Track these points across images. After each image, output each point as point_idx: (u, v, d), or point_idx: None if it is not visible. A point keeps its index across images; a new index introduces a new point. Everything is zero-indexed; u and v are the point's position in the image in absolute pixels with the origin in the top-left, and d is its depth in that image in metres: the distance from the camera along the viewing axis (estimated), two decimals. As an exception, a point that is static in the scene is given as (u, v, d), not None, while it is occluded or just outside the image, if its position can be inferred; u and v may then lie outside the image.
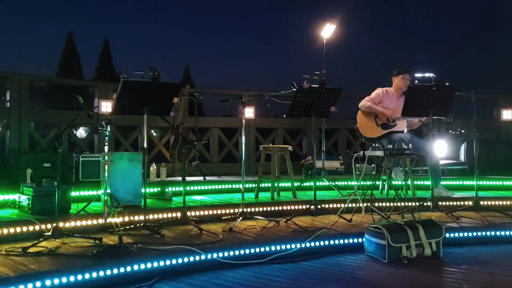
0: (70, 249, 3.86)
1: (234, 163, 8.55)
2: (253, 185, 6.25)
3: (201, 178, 6.95)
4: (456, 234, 4.84)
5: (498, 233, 4.94)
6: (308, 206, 5.44)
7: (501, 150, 8.17)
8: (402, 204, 5.20)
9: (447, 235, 4.68)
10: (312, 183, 5.63)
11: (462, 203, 5.84)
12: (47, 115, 8.22)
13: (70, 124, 4.69)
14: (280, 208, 5.57)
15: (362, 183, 5.42)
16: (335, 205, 5.65)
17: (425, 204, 5.55)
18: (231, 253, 4.06)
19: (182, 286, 3.51)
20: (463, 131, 10.26)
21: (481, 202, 5.75)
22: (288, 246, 4.30)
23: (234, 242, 4.20)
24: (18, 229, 4.22)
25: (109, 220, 4.55)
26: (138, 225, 4.61)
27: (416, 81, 5.85)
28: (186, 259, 3.85)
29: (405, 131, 6.20)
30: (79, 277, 3.32)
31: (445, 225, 4.81)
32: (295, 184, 6.20)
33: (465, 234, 4.87)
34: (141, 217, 4.72)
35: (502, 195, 6.45)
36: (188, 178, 6.79)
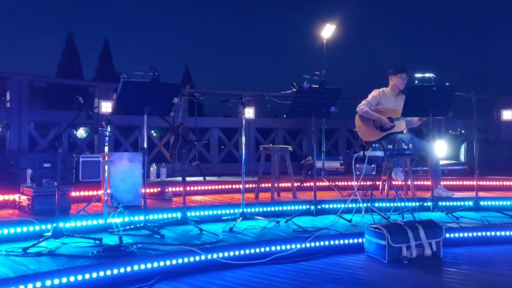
0: (70, 249, 3.86)
1: (234, 163, 8.54)
2: (253, 185, 6.24)
3: (201, 178, 6.96)
4: (456, 234, 4.84)
5: (498, 233, 4.94)
6: (308, 206, 5.44)
7: (501, 150, 8.17)
8: (402, 204, 5.20)
9: (447, 235, 4.68)
10: (312, 183, 5.64)
11: (462, 203, 5.84)
12: (47, 115, 8.22)
13: (70, 124, 4.70)
14: (280, 208, 5.56)
15: (362, 183, 5.42)
16: (335, 205, 5.65)
17: (425, 204, 5.55)
18: (231, 253, 4.06)
19: (182, 286, 3.51)
20: (463, 131, 10.26)
21: (481, 202, 5.75)
22: (288, 246, 4.30)
23: (234, 242, 4.20)
24: (18, 229, 4.22)
25: (109, 220, 4.55)
26: (138, 225, 4.61)
27: (416, 81, 5.86)
28: (186, 259, 3.85)
29: (405, 131, 6.20)
30: (79, 277, 3.32)
31: (445, 225, 4.81)
32: (295, 184, 6.20)
33: (465, 234, 4.87)
34: (141, 217, 4.72)
35: (502, 195, 6.45)
36: (188, 178, 6.79)
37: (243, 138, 5.44)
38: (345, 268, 4.02)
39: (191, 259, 3.88)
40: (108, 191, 4.81)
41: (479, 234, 4.90)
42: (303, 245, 4.36)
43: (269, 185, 6.18)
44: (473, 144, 5.92)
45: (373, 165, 6.13)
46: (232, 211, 5.28)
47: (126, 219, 4.70)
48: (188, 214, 4.98)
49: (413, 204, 5.30)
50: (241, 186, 5.18)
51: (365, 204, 5.28)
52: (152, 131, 9.33)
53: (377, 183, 6.21)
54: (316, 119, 5.54)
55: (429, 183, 5.91)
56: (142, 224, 4.57)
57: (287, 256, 4.24)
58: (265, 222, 4.94)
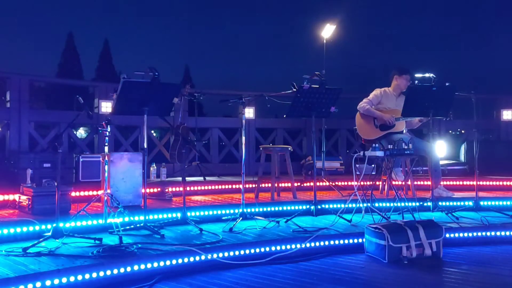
0: (70, 249, 3.85)
1: (234, 163, 8.55)
2: (253, 185, 6.24)
3: (201, 178, 6.96)
4: (456, 234, 4.84)
5: (498, 233, 4.94)
6: (308, 206, 5.44)
7: (501, 150, 8.17)
8: (402, 204, 5.20)
9: (447, 235, 4.68)
10: (312, 183, 5.63)
11: (462, 203, 5.84)
12: (47, 115, 8.22)
13: (70, 124, 4.70)
14: (280, 208, 5.56)
15: (362, 183, 5.42)
16: (335, 205, 5.65)
17: (425, 204, 5.55)
18: (231, 253, 4.06)
19: (182, 287, 3.51)
20: (463, 131, 10.26)
21: (481, 202, 5.75)
22: (288, 247, 4.30)
23: (234, 242, 4.20)
24: (18, 229, 4.22)
25: (109, 220, 4.55)
26: (138, 225, 4.61)
27: (416, 82, 5.85)
28: (186, 259, 3.85)
29: (405, 131, 6.20)
30: (79, 277, 3.32)
31: (445, 225, 4.80)
32: (295, 184, 6.20)
33: (465, 234, 4.87)
34: (141, 217, 4.72)
35: (502, 195, 6.45)
36: (188, 178, 6.79)
37: (243, 138, 5.44)
38: (345, 268, 4.02)
39: (191, 259, 3.88)
40: (108, 191, 4.80)
41: (479, 234, 4.90)
42: (303, 245, 4.36)
43: (269, 185, 6.18)
44: (473, 144, 5.92)
45: (373, 165, 6.13)
46: (232, 211, 5.28)
47: (126, 219, 4.70)
48: (188, 214, 4.98)
49: (413, 204, 5.30)
50: (241, 186, 5.18)
51: (365, 204, 5.28)
52: (152, 131, 9.33)
53: (377, 183, 6.21)
54: (316, 119, 5.53)
55: (429, 183, 5.91)
56: (142, 224, 4.57)
57: (287, 256, 4.24)
58: (265, 222, 4.94)
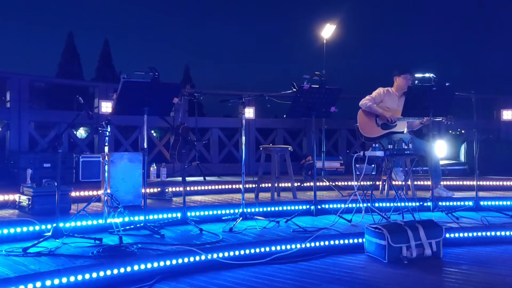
0: (70, 249, 3.86)
1: (234, 163, 8.54)
2: (253, 185, 6.24)
3: (201, 178, 6.96)
4: (456, 235, 4.84)
5: (498, 233, 4.94)
6: (308, 206, 5.44)
7: (501, 150, 8.17)
8: (402, 204, 5.20)
9: (447, 235, 4.68)
10: (312, 183, 5.63)
11: (462, 203, 5.84)
12: (47, 115, 8.21)
13: (70, 124, 4.70)
14: (280, 208, 5.56)
15: (362, 183, 5.42)
16: (335, 205, 5.65)
17: (425, 204, 5.55)
18: (231, 253, 4.06)
19: (182, 287, 3.51)
20: (463, 131, 10.26)
21: (481, 202, 5.75)
22: (288, 247, 4.30)
23: (234, 243, 4.20)
24: (18, 229, 4.22)
25: (109, 220, 4.55)
26: (138, 225, 4.61)
27: (416, 82, 5.85)
28: (186, 260, 3.85)
29: (405, 131, 6.20)
30: (79, 277, 3.32)
31: (445, 225, 4.81)
32: (295, 184, 6.20)
33: (465, 234, 4.88)
34: (141, 217, 4.72)
35: (502, 195, 6.45)
36: (188, 178, 6.79)
37: (243, 138, 5.44)
38: (345, 268, 4.02)
39: (191, 259, 3.88)
40: (108, 191, 4.80)
41: (479, 234, 4.90)
42: (303, 245, 4.36)
43: (269, 185, 6.18)
44: (473, 144, 5.92)
45: (373, 165, 6.13)
46: (232, 211, 5.28)
47: (126, 219, 4.69)
48: (188, 214, 4.98)
49: (413, 204, 5.30)
50: (241, 186, 5.18)
51: (365, 204, 5.28)
52: (152, 131, 9.33)
53: (377, 183, 6.21)
54: (316, 119, 5.54)
55: (429, 183, 5.91)
56: (142, 224, 4.57)
57: (287, 256, 4.24)
58: (265, 222, 4.94)
